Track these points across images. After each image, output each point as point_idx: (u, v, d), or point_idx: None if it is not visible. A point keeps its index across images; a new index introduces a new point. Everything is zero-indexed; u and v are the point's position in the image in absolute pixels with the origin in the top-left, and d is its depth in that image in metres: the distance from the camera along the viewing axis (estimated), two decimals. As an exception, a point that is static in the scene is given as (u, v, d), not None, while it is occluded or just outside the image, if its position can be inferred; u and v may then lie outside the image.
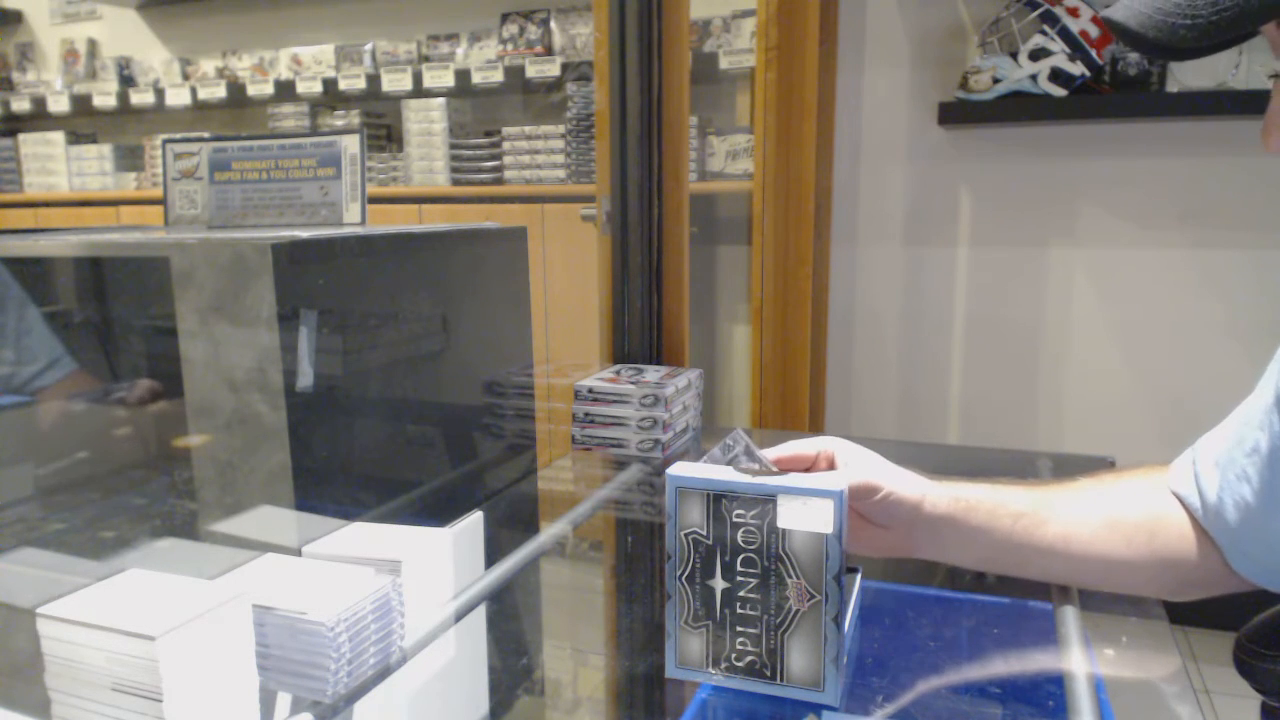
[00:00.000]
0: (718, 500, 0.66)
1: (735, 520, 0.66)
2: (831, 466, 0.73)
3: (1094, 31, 2.14)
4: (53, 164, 3.61)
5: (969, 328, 2.54)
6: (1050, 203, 2.40)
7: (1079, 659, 0.73)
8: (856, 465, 0.72)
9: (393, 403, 1.06)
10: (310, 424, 0.89)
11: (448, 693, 0.76)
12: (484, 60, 2.97)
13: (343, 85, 3.07)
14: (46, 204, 3.59)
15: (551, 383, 1.46)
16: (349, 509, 0.97)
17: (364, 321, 1.01)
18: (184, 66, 3.54)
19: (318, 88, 3.10)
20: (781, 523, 0.65)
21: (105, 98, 3.47)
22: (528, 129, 2.81)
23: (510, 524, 1.16)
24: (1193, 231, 2.29)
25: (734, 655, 0.68)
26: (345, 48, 3.21)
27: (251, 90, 3.23)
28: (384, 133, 3.18)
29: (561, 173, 2.78)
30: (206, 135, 3.20)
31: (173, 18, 3.62)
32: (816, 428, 2.52)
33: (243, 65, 3.43)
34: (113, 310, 1.11)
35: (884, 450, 0.76)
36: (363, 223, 1.14)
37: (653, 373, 1.42)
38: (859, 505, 0.73)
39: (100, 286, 1.13)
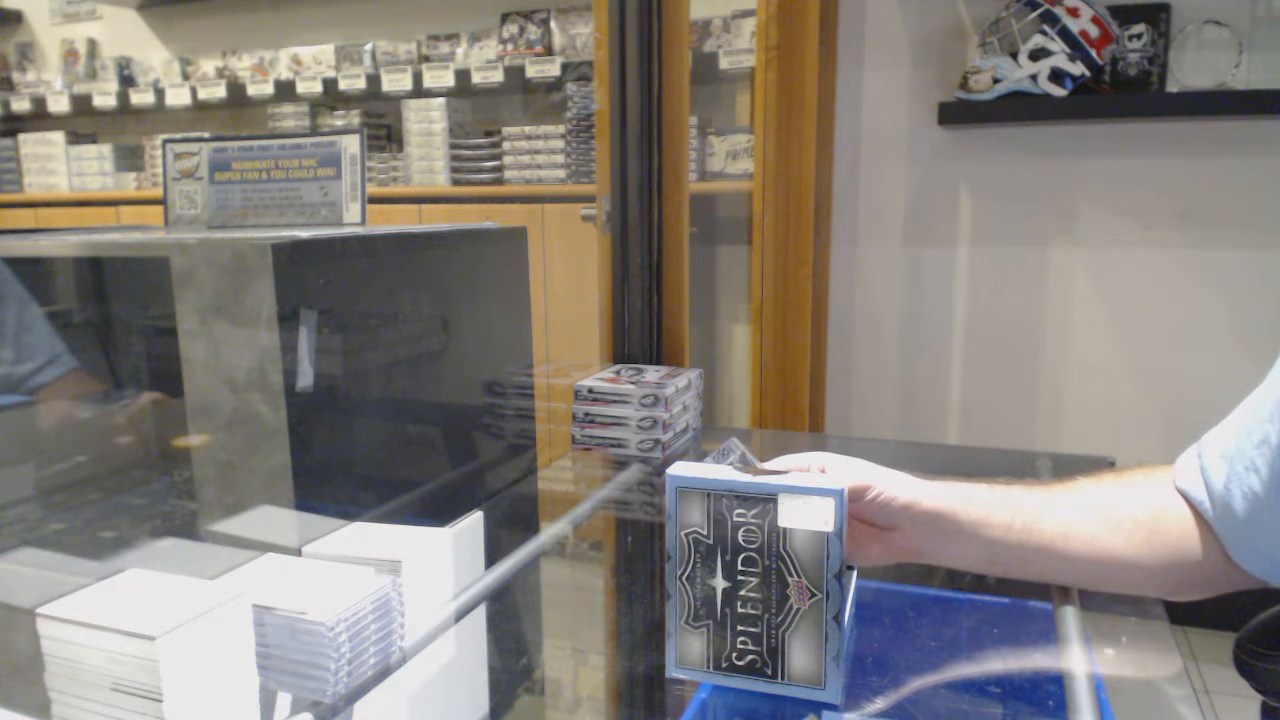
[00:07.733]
0: (718, 500, 0.66)
1: (736, 520, 0.66)
2: None
3: (1094, 31, 2.14)
4: (53, 164, 3.61)
5: (969, 328, 2.54)
6: (1050, 203, 2.40)
7: (1079, 659, 0.73)
8: (848, 470, 0.73)
9: (393, 403, 1.05)
10: (310, 424, 0.89)
11: (448, 693, 0.76)
12: (484, 60, 2.96)
13: (343, 85, 3.07)
14: (46, 204, 3.59)
15: (551, 383, 1.46)
16: (349, 509, 0.97)
17: (364, 321, 1.01)
18: (184, 66, 3.54)
19: (318, 88, 3.10)
20: (783, 522, 0.65)
21: (105, 98, 3.47)
22: (528, 129, 2.81)
23: (510, 524, 1.16)
24: (1193, 231, 2.29)
25: (734, 654, 0.68)
26: (345, 48, 3.21)
27: (251, 90, 3.22)
28: (384, 133, 3.18)
29: (561, 173, 2.78)
30: (206, 135, 3.20)
31: (173, 18, 3.62)
32: (816, 428, 2.51)
33: (243, 65, 3.43)
34: (113, 310, 1.11)
35: (884, 450, 0.76)
36: (363, 223, 1.14)
37: (653, 373, 1.42)
38: (855, 508, 0.73)
39: (100, 286, 1.13)
